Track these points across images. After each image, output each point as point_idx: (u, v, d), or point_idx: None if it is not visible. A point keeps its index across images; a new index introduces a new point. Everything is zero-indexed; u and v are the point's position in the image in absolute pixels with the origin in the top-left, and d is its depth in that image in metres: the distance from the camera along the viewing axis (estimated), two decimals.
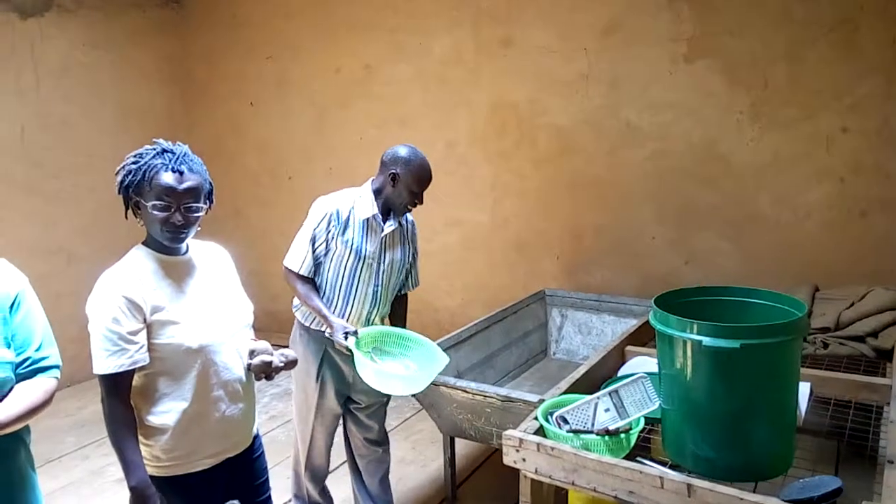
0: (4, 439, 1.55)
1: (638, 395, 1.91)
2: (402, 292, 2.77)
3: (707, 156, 3.71)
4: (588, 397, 1.92)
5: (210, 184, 1.76)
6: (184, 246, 1.75)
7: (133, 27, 5.02)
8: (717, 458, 1.71)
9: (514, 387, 3.38)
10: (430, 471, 3.37)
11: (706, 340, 1.65)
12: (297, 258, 2.51)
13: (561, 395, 2.14)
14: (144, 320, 1.62)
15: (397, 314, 2.76)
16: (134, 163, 1.66)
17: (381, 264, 2.55)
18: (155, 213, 1.62)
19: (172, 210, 1.63)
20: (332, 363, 2.61)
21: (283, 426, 3.95)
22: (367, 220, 2.49)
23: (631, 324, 3.48)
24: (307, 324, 2.61)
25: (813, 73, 3.39)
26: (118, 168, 1.68)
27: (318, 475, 2.77)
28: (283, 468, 3.22)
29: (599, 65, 3.93)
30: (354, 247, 2.48)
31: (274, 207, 5.40)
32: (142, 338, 1.61)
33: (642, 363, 2.54)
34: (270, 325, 5.19)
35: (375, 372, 2.31)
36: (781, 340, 1.66)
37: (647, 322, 2.93)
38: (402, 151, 2.49)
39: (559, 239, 4.25)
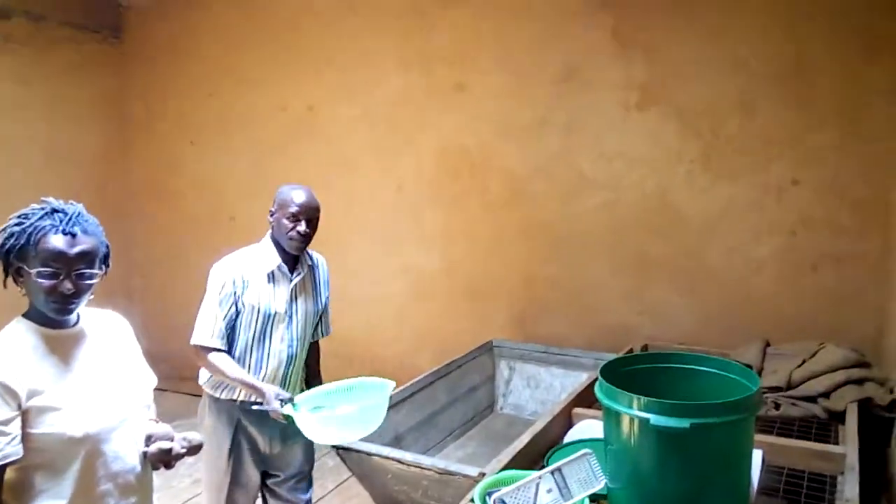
0: None
1: (583, 473, 1.76)
2: (317, 338, 2.61)
3: (659, 205, 3.65)
4: (529, 476, 1.76)
5: (107, 246, 1.56)
6: (73, 317, 1.54)
7: (67, 63, 4.79)
8: None
9: (457, 447, 3.21)
10: None
11: (654, 419, 1.53)
12: (206, 330, 2.29)
13: (502, 468, 1.99)
14: (19, 407, 1.39)
15: (310, 366, 2.59)
16: (17, 224, 1.45)
17: (294, 318, 2.39)
18: (40, 281, 1.42)
19: (61, 278, 1.43)
20: (247, 434, 2.37)
21: None
22: (272, 273, 2.34)
23: (580, 378, 3.36)
24: (216, 395, 2.38)
25: (764, 123, 3.38)
26: None
27: None
28: None
29: (554, 111, 3.87)
30: (262, 306, 2.31)
31: (216, 250, 5.14)
32: (15, 428, 1.38)
33: (590, 427, 2.41)
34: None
35: (321, 422, 2.12)
36: (734, 419, 1.54)
37: (596, 380, 2.83)
38: (281, 187, 2.38)
39: (510, 287, 4.13)
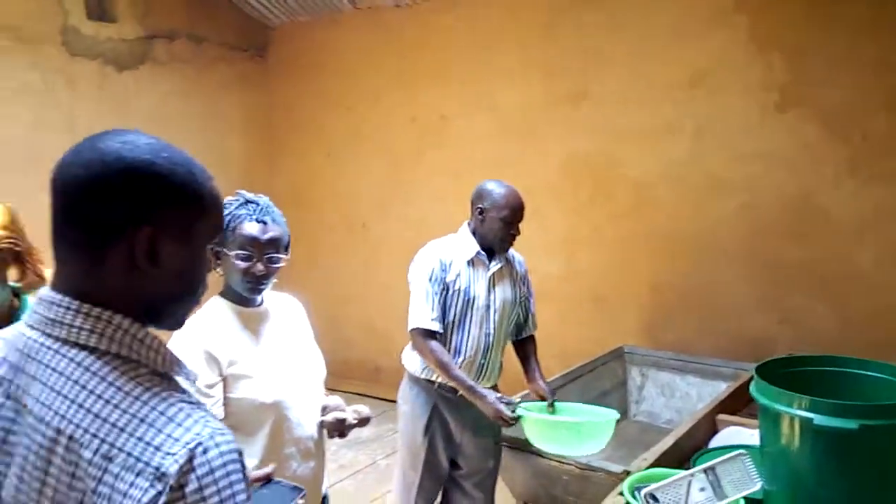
0: None
1: (737, 474, 1.73)
2: (523, 335, 2.64)
3: (801, 209, 3.50)
4: (680, 473, 1.75)
5: (288, 235, 1.74)
6: (259, 297, 1.72)
7: (220, 79, 5.23)
8: None
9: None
10: None
11: (818, 419, 1.48)
12: (424, 313, 2.31)
13: (648, 467, 1.98)
14: (220, 373, 1.58)
15: (529, 358, 2.61)
16: None
17: (492, 306, 2.41)
18: (238, 262, 1.62)
19: (254, 260, 1.62)
20: (441, 419, 2.42)
21: (353, 476, 3.85)
22: (471, 260, 2.39)
23: (719, 387, 3.27)
24: (417, 374, 2.45)
25: None
26: None
27: None
28: None
29: (682, 115, 3.81)
30: (462, 288, 2.35)
31: (349, 256, 5.43)
32: (218, 392, 1.57)
33: (735, 435, 2.34)
34: (343, 371, 5.15)
35: (550, 427, 2.16)
36: None
37: (739, 388, 2.75)
38: (487, 185, 2.41)
39: (637, 294, 4.07)
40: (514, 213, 2.34)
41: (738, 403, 2.68)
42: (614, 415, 2.23)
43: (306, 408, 1.72)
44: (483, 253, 2.40)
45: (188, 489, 0.72)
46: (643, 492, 1.75)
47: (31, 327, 0.83)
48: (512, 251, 2.54)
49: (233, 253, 1.61)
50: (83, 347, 0.79)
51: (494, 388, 2.48)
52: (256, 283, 1.64)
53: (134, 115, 4.65)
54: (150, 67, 4.74)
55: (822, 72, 3.39)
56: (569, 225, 4.31)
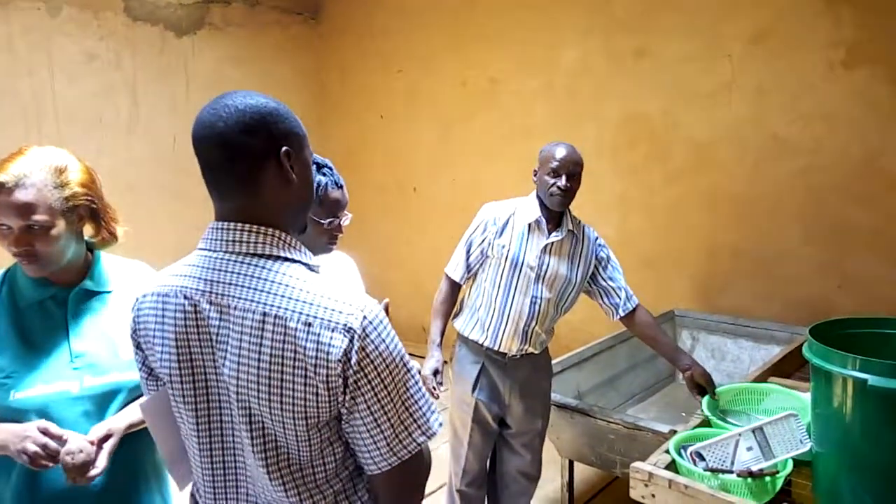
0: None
1: (786, 435, 1.72)
2: (622, 313, 2.48)
3: (867, 171, 3.36)
4: (728, 433, 1.76)
5: None
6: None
7: (274, 43, 5.31)
8: None
9: (638, 412, 3.20)
10: (546, 492, 3.25)
11: (872, 379, 1.46)
12: (452, 263, 2.52)
13: (694, 427, 1.99)
14: None
15: (658, 339, 2.49)
16: None
17: (543, 276, 2.37)
18: (328, 228, 1.70)
19: (336, 223, 1.71)
20: (489, 378, 2.46)
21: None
22: (529, 225, 2.37)
23: (772, 351, 3.22)
24: (465, 334, 2.50)
25: None
26: None
27: (472, 501, 2.61)
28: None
29: (744, 74, 3.68)
30: (510, 253, 2.36)
31: (399, 218, 5.50)
32: None
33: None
34: None
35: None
36: None
37: (793, 351, 2.70)
38: (545, 145, 2.39)
39: (692, 257, 4.01)
40: (560, 165, 2.27)
41: (791, 367, 2.64)
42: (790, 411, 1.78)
43: None
44: (543, 221, 2.37)
45: (372, 337, 1.03)
46: (689, 450, 1.76)
47: (213, 250, 1.10)
48: (588, 229, 2.49)
49: (325, 221, 1.68)
50: (259, 255, 1.07)
51: (505, 357, 2.45)
52: (334, 242, 1.74)
53: (192, 79, 4.77)
54: (207, 32, 4.84)
55: (893, 26, 3.22)
56: (622, 187, 4.25)
